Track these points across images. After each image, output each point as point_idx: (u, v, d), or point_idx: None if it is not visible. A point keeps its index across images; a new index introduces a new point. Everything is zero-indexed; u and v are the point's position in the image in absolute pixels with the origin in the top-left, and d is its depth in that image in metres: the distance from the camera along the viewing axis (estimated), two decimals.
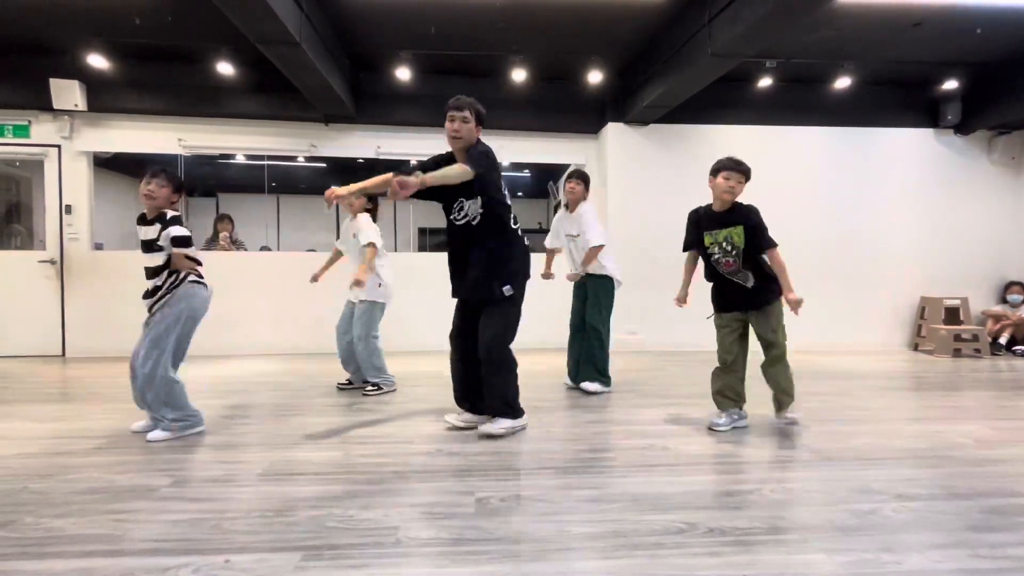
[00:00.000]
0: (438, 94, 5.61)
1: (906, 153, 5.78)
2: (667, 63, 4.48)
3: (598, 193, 5.79)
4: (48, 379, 4.14)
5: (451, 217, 2.67)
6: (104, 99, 5.05)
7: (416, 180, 2.23)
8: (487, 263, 2.59)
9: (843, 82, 5.20)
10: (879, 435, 2.70)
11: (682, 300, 2.99)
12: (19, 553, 1.55)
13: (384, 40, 4.68)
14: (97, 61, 4.62)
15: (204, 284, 2.69)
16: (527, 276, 2.73)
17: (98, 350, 5.11)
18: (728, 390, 2.78)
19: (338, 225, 8.33)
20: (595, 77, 5.14)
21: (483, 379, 2.65)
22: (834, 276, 5.57)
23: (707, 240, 2.72)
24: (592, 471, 2.20)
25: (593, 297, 3.58)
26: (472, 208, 2.58)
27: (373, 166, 6.05)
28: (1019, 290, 5.62)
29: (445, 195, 2.61)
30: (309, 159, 6.10)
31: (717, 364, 2.82)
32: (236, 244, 5.58)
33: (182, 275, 2.61)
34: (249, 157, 6.19)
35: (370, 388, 3.54)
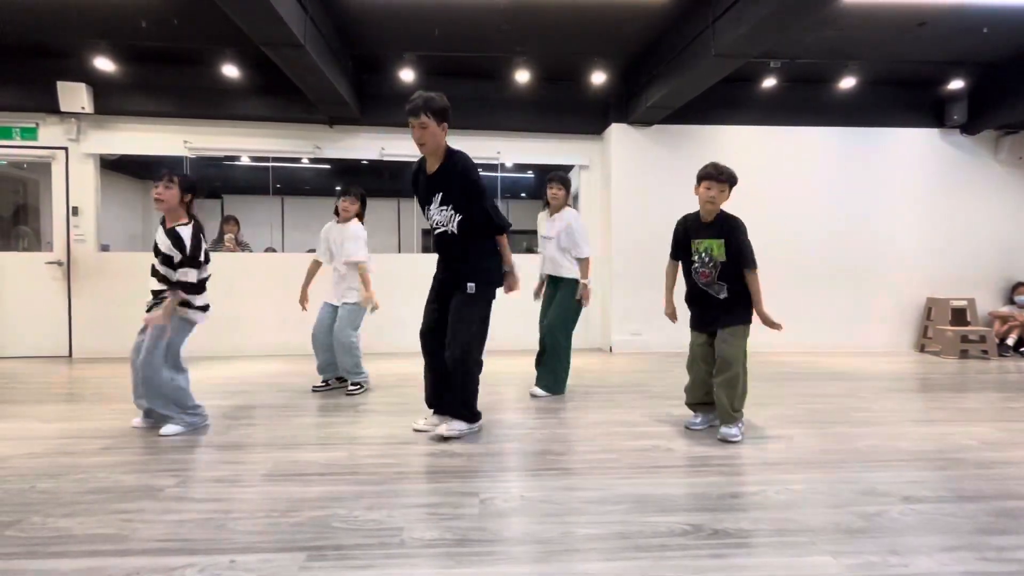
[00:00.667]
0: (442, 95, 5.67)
1: (912, 153, 5.75)
2: (671, 64, 4.47)
3: (601, 194, 5.80)
4: (55, 379, 4.16)
5: (429, 219, 2.67)
6: (111, 101, 5.09)
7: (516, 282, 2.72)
8: (471, 256, 2.63)
9: (848, 82, 5.18)
10: (885, 437, 2.68)
11: (673, 315, 2.92)
12: (27, 552, 1.56)
13: (388, 42, 4.69)
14: (104, 64, 4.66)
15: (203, 308, 2.71)
16: (499, 284, 2.73)
17: (105, 351, 5.15)
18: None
19: None
20: (599, 78, 5.14)
21: (449, 378, 2.60)
22: (839, 277, 5.55)
23: (692, 247, 2.70)
24: (596, 472, 2.19)
25: (562, 304, 3.49)
26: (447, 217, 2.57)
27: (377, 168, 6.07)
28: None
29: (423, 197, 2.67)
30: (313, 160, 6.12)
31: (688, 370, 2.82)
32: (241, 246, 5.61)
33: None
34: (254, 159, 6.22)
35: (353, 387, 3.56)
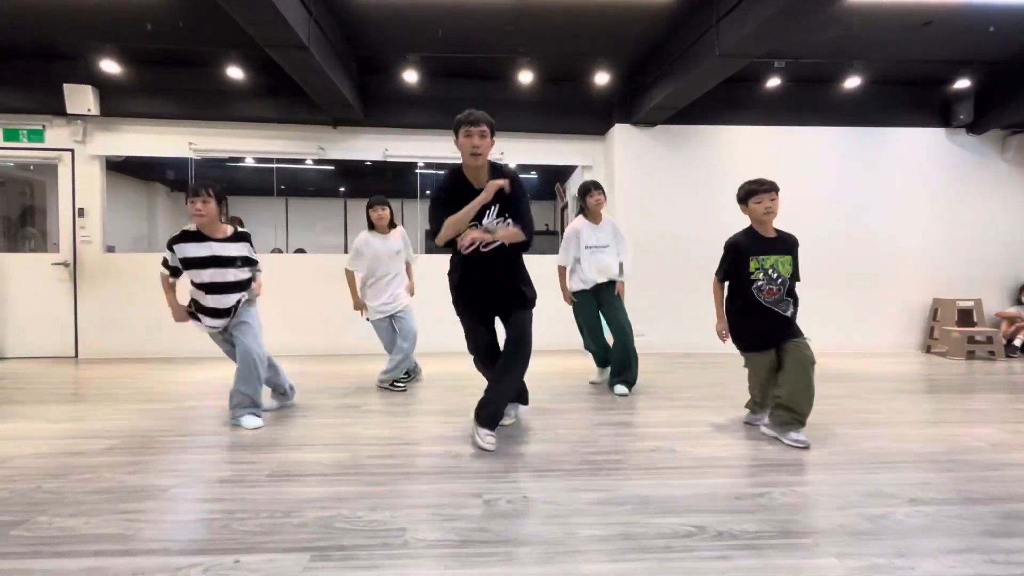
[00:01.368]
0: (445, 97, 5.69)
1: (918, 153, 5.72)
2: (674, 64, 4.46)
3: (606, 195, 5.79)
4: (61, 380, 4.19)
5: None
6: (116, 103, 5.12)
7: (487, 236, 2.45)
8: (518, 274, 2.64)
9: (853, 82, 5.15)
10: (892, 438, 2.66)
11: (726, 334, 2.80)
12: (33, 552, 1.57)
13: (392, 43, 4.70)
14: (110, 66, 4.69)
15: None
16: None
17: (110, 351, 5.18)
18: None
19: (346, 233, 8.39)
20: (602, 78, 5.13)
21: (505, 377, 2.59)
22: (845, 277, 5.52)
23: (752, 265, 2.59)
24: (600, 473, 2.19)
25: (620, 305, 3.64)
26: (498, 230, 2.50)
27: (381, 169, 6.09)
28: None
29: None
30: (317, 162, 6.14)
31: (751, 395, 2.78)
32: None
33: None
34: (258, 160, 6.25)
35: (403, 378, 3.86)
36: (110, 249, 5.41)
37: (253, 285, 2.99)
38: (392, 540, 1.63)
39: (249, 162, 6.46)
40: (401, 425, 2.87)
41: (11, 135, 5.13)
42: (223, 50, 4.65)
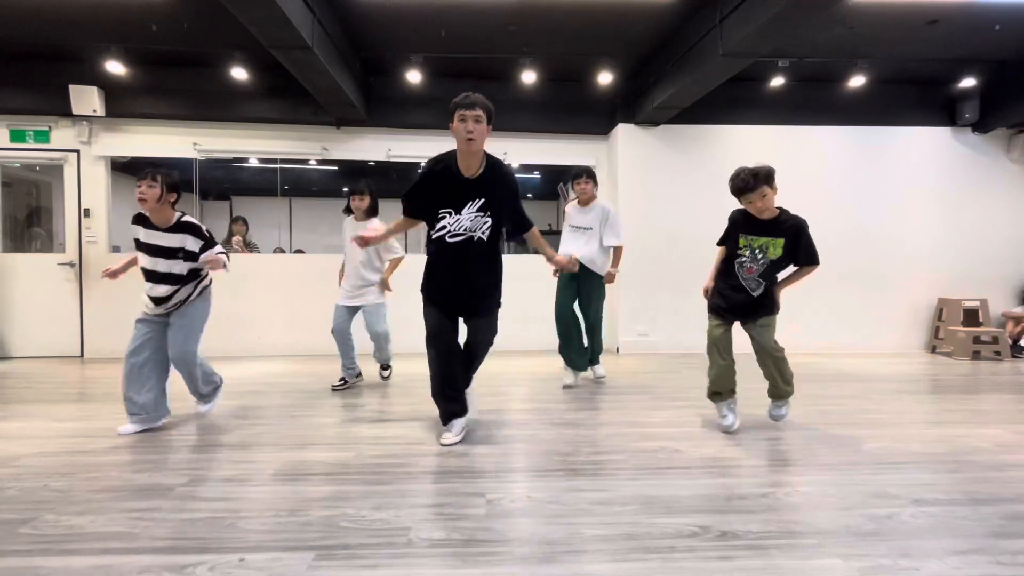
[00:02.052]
0: (448, 97, 5.57)
1: (923, 152, 5.69)
2: (678, 63, 4.45)
3: (608, 195, 5.78)
4: (67, 379, 4.22)
5: (439, 229, 2.50)
6: (122, 104, 5.15)
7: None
8: (493, 274, 2.62)
9: (857, 81, 5.13)
10: (896, 439, 2.65)
11: (709, 291, 2.90)
12: (41, 550, 1.58)
13: (395, 44, 4.71)
14: (115, 67, 4.71)
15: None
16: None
17: (116, 351, 5.17)
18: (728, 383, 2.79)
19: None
20: (605, 78, 5.13)
21: (470, 369, 2.69)
22: (850, 277, 5.50)
23: (741, 242, 2.67)
24: (603, 473, 2.19)
25: (593, 293, 3.75)
26: (479, 224, 2.49)
27: (384, 169, 6.10)
28: None
29: (438, 204, 2.51)
30: (321, 162, 6.16)
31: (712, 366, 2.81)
32: (249, 246, 5.65)
33: (207, 280, 2.82)
34: (262, 160, 6.27)
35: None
36: (115, 249, 5.44)
37: (206, 272, 2.81)
38: (396, 539, 1.64)
39: (253, 162, 6.49)
40: (405, 425, 2.88)
41: (17, 136, 5.17)
42: (227, 51, 4.66)
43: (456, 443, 2.53)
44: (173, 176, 2.70)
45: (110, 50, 4.58)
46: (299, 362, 4.85)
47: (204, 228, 2.76)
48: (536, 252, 2.98)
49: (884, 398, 3.57)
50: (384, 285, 3.66)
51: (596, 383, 3.91)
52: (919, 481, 2.11)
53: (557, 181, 7.06)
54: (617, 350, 5.47)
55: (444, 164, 2.50)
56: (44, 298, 5.19)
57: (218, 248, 2.75)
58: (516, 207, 2.62)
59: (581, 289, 3.76)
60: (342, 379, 3.75)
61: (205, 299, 2.84)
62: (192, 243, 2.70)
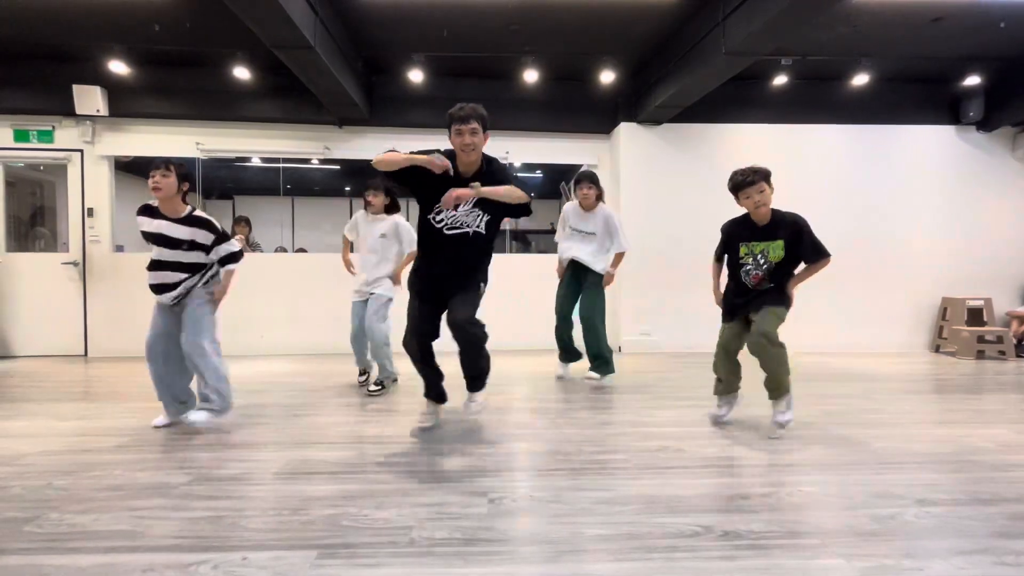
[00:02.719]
0: (451, 96, 5.64)
1: (927, 150, 5.66)
2: (680, 62, 4.44)
3: (611, 193, 5.78)
4: (71, 378, 4.23)
5: (435, 222, 2.53)
6: (125, 104, 5.16)
7: (471, 192, 2.39)
8: (482, 261, 2.63)
9: (861, 79, 5.10)
10: (900, 439, 2.64)
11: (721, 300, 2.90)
12: (45, 548, 1.59)
13: (397, 43, 4.71)
14: (118, 67, 4.72)
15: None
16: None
17: (119, 350, 5.22)
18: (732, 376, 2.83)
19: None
20: (607, 77, 5.12)
21: (464, 355, 2.60)
22: (853, 277, 5.47)
23: (742, 251, 2.67)
24: (606, 473, 2.19)
25: (594, 292, 3.75)
26: (474, 218, 2.52)
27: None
28: None
29: (431, 196, 2.53)
30: (323, 161, 6.17)
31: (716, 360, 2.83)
32: (252, 246, 5.66)
33: (213, 270, 2.80)
34: (265, 160, 6.29)
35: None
36: (119, 248, 5.46)
37: (217, 281, 2.81)
38: (398, 538, 1.64)
39: (256, 162, 6.50)
40: (407, 424, 2.88)
41: (21, 136, 5.19)
42: (230, 51, 4.67)
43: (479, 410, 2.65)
44: (185, 167, 2.74)
45: (113, 50, 4.59)
46: (301, 361, 4.85)
47: (217, 224, 2.77)
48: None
49: (887, 398, 3.56)
50: (395, 279, 3.57)
51: (595, 383, 3.82)
52: (923, 481, 2.10)
53: (559, 180, 7.05)
54: (619, 349, 5.46)
55: (448, 159, 2.56)
56: (48, 297, 5.22)
57: (233, 244, 2.79)
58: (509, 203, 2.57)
59: (582, 289, 3.77)
60: (378, 382, 3.58)
61: (211, 290, 2.82)
62: (204, 237, 2.72)
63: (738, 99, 5.41)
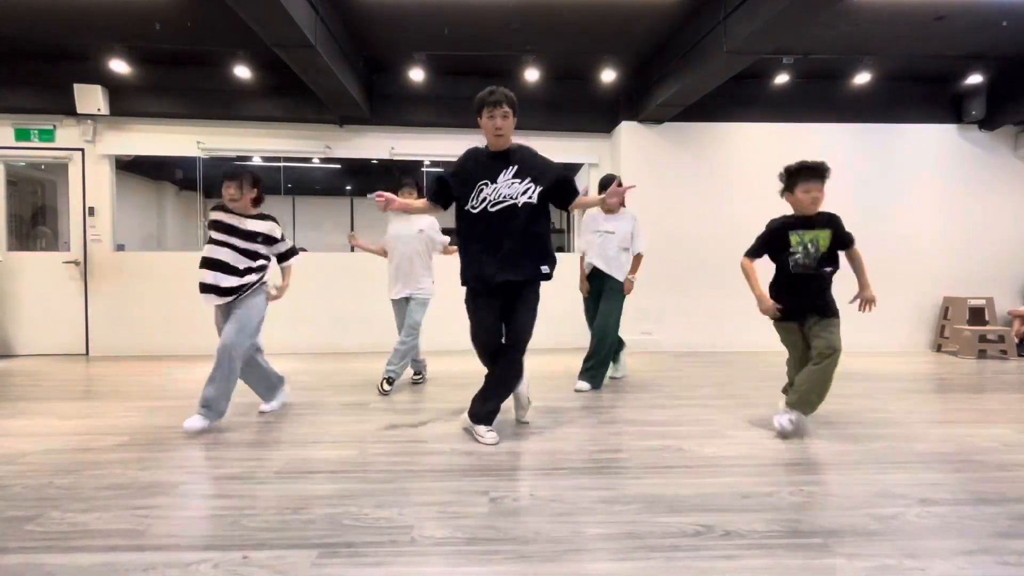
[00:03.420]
0: (451, 95, 5.69)
1: (929, 149, 5.65)
2: (681, 61, 4.44)
3: None
4: (72, 377, 4.24)
5: (475, 210, 2.49)
6: (126, 103, 5.17)
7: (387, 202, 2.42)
8: (534, 244, 2.52)
9: (863, 77, 5.10)
10: (902, 438, 2.64)
11: (773, 308, 2.72)
12: (46, 547, 1.59)
13: (398, 42, 4.71)
14: (119, 66, 4.73)
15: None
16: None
17: (120, 349, 5.23)
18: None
19: (352, 231, 8.41)
20: (608, 76, 5.11)
21: (505, 366, 2.58)
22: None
23: (794, 240, 2.65)
24: (607, 472, 2.19)
25: (614, 302, 3.67)
26: (518, 190, 2.46)
27: (387, 167, 6.10)
28: None
29: (464, 193, 2.52)
30: (324, 160, 6.16)
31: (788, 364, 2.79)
32: None
33: (266, 275, 2.93)
34: (265, 159, 6.27)
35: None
36: (120, 248, 5.47)
37: (271, 283, 2.98)
38: (399, 537, 1.64)
39: (256, 161, 6.48)
40: (408, 423, 2.88)
41: (23, 135, 5.19)
42: (231, 50, 4.67)
43: (496, 442, 2.52)
44: (256, 175, 2.86)
45: (114, 49, 4.60)
46: (302, 360, 4.86)
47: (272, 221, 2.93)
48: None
49: (889, 397, 3.55)
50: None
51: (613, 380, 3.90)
52: (925, 481, 2.09)
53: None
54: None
55: (475, 148, 2.64)
56: (49, 296, 5.22)
57: (297, 257, 3.08)
58: (558, 176, 2.57)
59: (601, 294, 3.74)
60: (417, 372, 3.86)
61: (260, 293, 2.92)
62: (275, 229, 2.90)
63: (739, 98, 5.41)
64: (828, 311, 2.67)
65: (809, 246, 2.64)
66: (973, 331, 5.18)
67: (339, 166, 7.07)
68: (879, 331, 5.56)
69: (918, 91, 5.59)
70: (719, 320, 5.28)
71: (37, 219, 6.21)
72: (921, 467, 2.25)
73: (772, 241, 2.72)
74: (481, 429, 2.55)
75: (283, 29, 3.43)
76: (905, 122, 5.61)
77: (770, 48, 3.83)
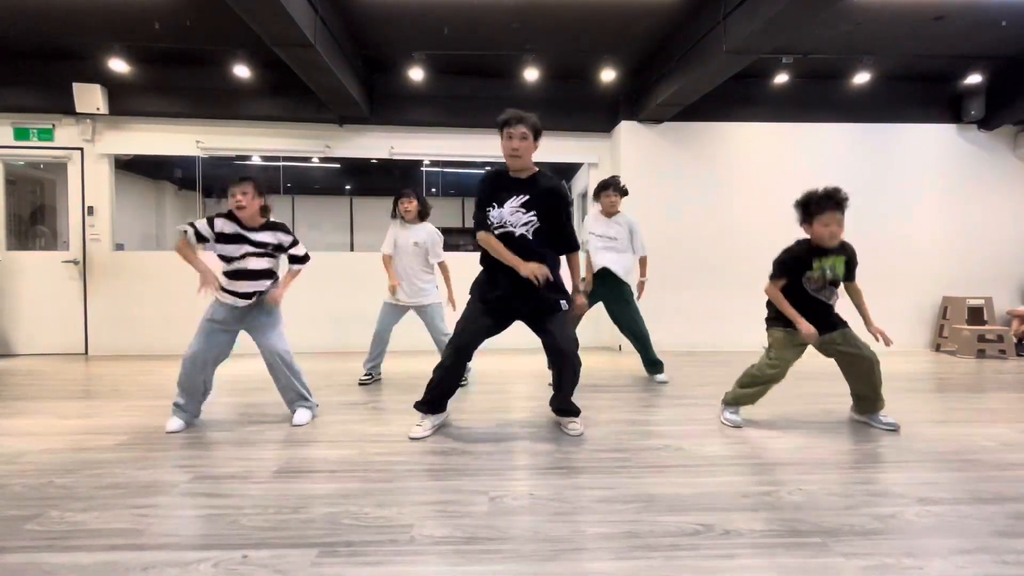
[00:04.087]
0: (451, 94, 5.69)
1: (928, 149, 5.66)
2: (681, 60, 4.44)
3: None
4: (71, 376, 4.23)
5: (493, 218, 2.53)
6: (125, 102, 5.16)
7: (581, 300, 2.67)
8: (547, 265, 2.52)
9: (862, 77, 5.10)
10: (901, 437, 2.64)
11: (815, 332, 2.71)
12: (46, 546, 1.59)
13: (398, 41, 4.71)
14: (118, 65, 4.72)
15: None
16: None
17: (119, 348, 5.23)
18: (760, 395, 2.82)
19: (352, 231, 8.41)
20: (608, 75, 5.11)
21: (564, 379, 2.65)
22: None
23: (816, 265, 2.68)
24: (606, 471, 2.19)
25: (632, 308, 3.82)
26: (520, 219, 2.50)
27: (387, 167, 6.10)
28: None
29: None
30: (323, 160, 6.16)
31: (765, 376, 2.80)
32: None
33: (278, 277, 2.94)
34: (265, 158, 6.28)
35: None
36: (119, 247, 5.46)
37: (293, 273, 3.01)
38: (399, 536, 1.64)
39: (256, 160, 6.49)
40: (408, 422, 2.88)
41: (21, 134, 5.18)
42: (230, 49, 4.67)
43: (425, 436, 2.58)
44: (263, 182, 2.82)
45: (113, 48, 4.59)
46: (301, 360, 4.83)
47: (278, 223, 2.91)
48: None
49: (888, 396, 3.53)
50: (452, 302, 3.70)
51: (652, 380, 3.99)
52: (923, 480, 2.10)
53: (560, 179, 7.05)
54: (619, 348, 5.46)
55: (498, 168, 2.63)
56: (48, 296, 5.22)
57: (303, 248, 3.02)
58: (565, 222, 2.61)
59: (615, 300, 3.78)
60: (368, 374, 3.85)
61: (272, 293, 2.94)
62: (284, 238, 2.89)
63: (739, 97, 5.41)
64: (841, 323, 2.76)
65: (828, 272, 2.69)
66: (972, 331, 5.18)
67: (339, 165, 7.07)
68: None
69: (917, 91, 5.60)
70: (719, 320, 5.28)
71: (36, 218, 6.20)
72: (920, 466, 2.25)
73: (796, 268, 2.72)
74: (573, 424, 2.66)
75: (283, 28, 3.43)
76: (904, 122, 5.62)
77: (770, 48, 3.83)
